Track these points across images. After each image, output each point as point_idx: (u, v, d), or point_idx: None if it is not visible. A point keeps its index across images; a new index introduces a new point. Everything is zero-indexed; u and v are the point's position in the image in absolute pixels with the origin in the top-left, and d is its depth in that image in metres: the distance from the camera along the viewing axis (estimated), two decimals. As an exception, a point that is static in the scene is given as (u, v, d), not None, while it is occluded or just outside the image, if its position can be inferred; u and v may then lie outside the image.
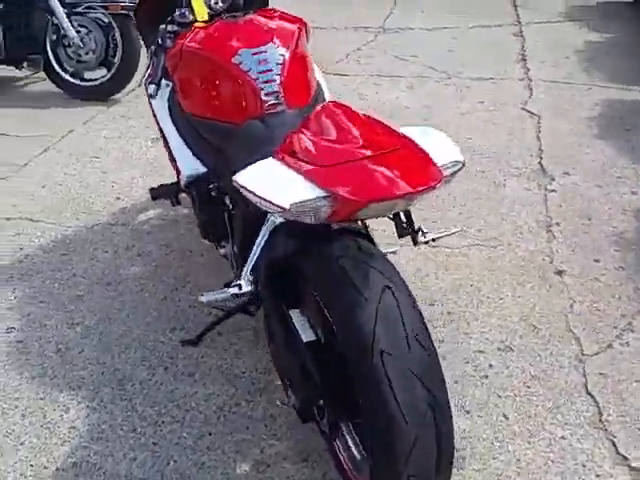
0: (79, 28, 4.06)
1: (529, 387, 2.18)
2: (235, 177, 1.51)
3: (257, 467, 1.89)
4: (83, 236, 2.91)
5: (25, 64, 4.27)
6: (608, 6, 6.23)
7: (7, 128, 3.93)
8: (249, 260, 1.67)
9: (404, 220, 1.75)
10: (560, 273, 2.71)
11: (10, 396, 2.12)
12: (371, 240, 1.74)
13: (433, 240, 1.84)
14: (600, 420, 2.06)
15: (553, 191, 3.30)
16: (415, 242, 1.81)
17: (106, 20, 4.03)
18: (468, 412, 2.08)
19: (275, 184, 1.47)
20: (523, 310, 2.50)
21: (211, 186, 2.09)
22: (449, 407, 1.49)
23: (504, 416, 2.07)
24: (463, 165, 1.56)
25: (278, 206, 1.43)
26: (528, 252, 2.84)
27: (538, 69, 4.83)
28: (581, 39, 5.43)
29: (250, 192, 1.47)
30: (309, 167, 1.47)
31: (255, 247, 1.66)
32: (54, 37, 4.11)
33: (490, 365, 2.26)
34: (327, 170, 1.46)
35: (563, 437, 2.00)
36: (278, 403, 1.74)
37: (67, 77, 4.22)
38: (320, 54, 5.01)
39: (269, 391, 2.11)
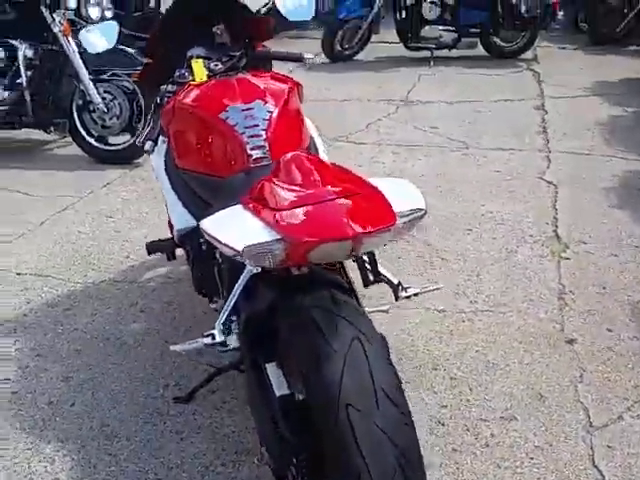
0: (104, 94, 4.21)
1: (532, 458, 2.07)
2: (201, 223, 1.53)
3: (238, 530, 1.82)
4: (89, 292, 2.93)
5: (52, 128, 4.43)
6: (631, 82, 6.28)
7: (30, 189, 4.05)
8: (224, 309, 1.66)
9: (369, 268, 1.72)
10: (571, 342, 2.62)
11: (-3, 446, 2.10)
12: (351, 293, 1.71)
13: (415, 295, 1.81)
14: (606, 496, 1.94)
15: (567, 259, 3.23)
16: (396, 297, 1.78)
17: (130, 87, 4.19)
18: (465, 482, 1.98)
19: (234, 228, 1.51)
20: (530, 378, 2.41)
21: (202, 240, 2.09)
22: (422, 467, 1.42)
23: (504, 489, 1.97)
24: (425, 213, 1.56)
25: (233, 249, 1.45)
26: (538, 320, 2.76)
27: (558, 141, 4.84)
28: (604, 113, 5.45)
29: (211, 237, 1.49)
30: (268, 211, 1.49)
31: (231, 296, 1.65)
32: (80, 102, 4.28)
33: (492, 434, 2.16)
34: (283, 213, 1.47)
35: (565, 512, 1.89)
36: (255, 461, 1.68)
37: (92, 141, 4.36)
38: (341, 124, 5.18)
39: (256, 451, 2.03)
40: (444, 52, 7.32)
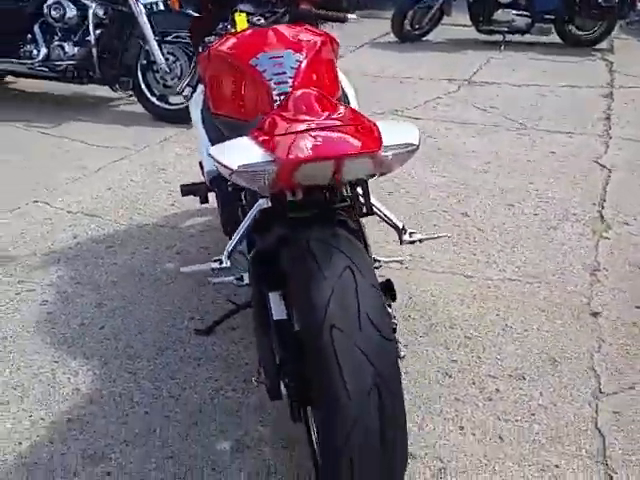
0: (167, 55, 4.38)
1: (534, 414, 2.09)
2: (210, 149, 1.62)
3: (237, 447, 1.92)
4: (131, 233, 3.09)
5: (117, 85, 4.63)
6: None
7: (92, 139, 4.29)
8: (233, 238, 1.75)
9: (361, 201, 1.76)
10: (596, 315, 2.60)
11: (28, 356, 2.27)
12: (357, 234, 1.76)
13: (420, 241, 1.85)
14: (603, 455, 1.94)
15: (607, 239, 3.18)
16: (401, 241, 1.82)
17: (192, 49, 4.32)
18: (462, 428, 2.02)
19: (234, 152, 1.59)
20: (546, 344, 2.41)
21: (229, 183, 2.18)
22: (399, 391, 1.48)
23: (500, 437, 2.00)
24: (416, 148, 1.60)
25: (228, 168, 1.54)
26: (566, 292, 2.74)
27: (621, 127, 4.71)
28: (674, 105, 5.27)
29: (215, 160, 1.59)
30: (267, 139, 1.57)
31: (240, 227, 1.74)
32: (145, 62, 4.46)
33: (497, 390, 2.19)
34: (278, 139, 1.55)
35: (557, 466, 1.90)
36: (253, 379, 1.76)
37: (154, 100, 4.54)
38: (398, 100, 5.21)
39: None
40: (516, 37, 7.19)
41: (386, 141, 1.55)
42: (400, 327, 2.45)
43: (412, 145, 1.60)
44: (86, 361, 2.25)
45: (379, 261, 2.16)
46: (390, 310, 1.68)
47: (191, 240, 3.01)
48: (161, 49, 4.35)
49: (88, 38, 4.49)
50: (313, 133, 1.53)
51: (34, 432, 1.95)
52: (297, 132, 1.55)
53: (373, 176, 1.69)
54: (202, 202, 2.49)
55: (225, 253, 1.76)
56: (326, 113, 1.62)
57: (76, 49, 4.53)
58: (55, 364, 2.23)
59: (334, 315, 1.46)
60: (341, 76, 2.36)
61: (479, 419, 2.06)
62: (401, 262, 2.31)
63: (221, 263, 1.75)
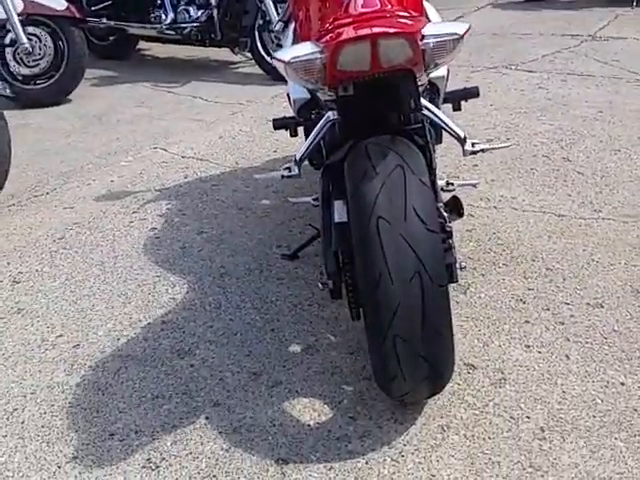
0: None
1: (606, 338, 2.07)
2: (274, 53, 1.76)
3: (307, 350, 2.06)
4: (235, 174, 3.32)
5: (237, 49, 4.90)
6: None
7: (210, 96, 4.62)
8: (302, 148, 1.88)
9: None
10: (691, 253, 2.50)
11: (134, 271, 2.54)
12: (423, 148, 1.83)
13: (483, 151, 1.88)
14: (675, 378, 1.90)
15: None
16: (464, 152, 1.87)
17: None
18: (528, 346, 2.05)
19: (292, 50, 1.73)
20: (631, 277, 2.36)
21: (314, 111, 2.32)
22: (442, 281, 1.56)
23: (566, 356, 2.00)
24: (460, 38, 1.65)
25: (282, 61, 1.68)
26: (664, 232, 2.65)
27: None
28: None
29: (276, 59, 1.72)
30: (321, 35, 1.68)
31: (310, 137, 1.87)
32: (261, 22, 4.68)
33: (571, 315, 2.18)
34: (330, 33, 1.66)
35: (623, 383, 1.89)
36: (319, 284, 1.89)
37: (269, 59, 4.75)
38: (514, 54, 5.11)
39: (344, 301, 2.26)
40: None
41: (429, 31, 1.62)
42: (479, 258, 2.50)
43: (456, 35, 1.65)
44: (183, 277, 2.49)
45: (452, 184, 2.22)
46: (445, 214, 1.75)
47: (289, 182, 3.18)
48: (276, 8, 4.54)
49: (211, 1, 4.79)
50: (356, 22, 1.63)
51: (131, 331, 2.21)
52: (343, 24, 1.65)
53: (415, 68, 1.71)
54: (292, 135, 2.63)
55: (294, 161, 1.89)
56: (381, 7, 1.71)
57: (200, 12, 4.86)
58: (157, 278, 2.49)
59: (381, 207, 1.56)
60: (427, 4, 2.42)
61: (547, 339, 2.07)
62: (475, 185, 2.34)
63: (290, 170, 1.89)
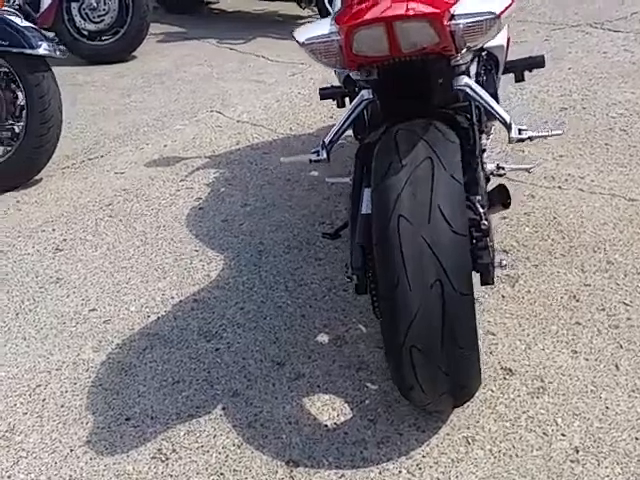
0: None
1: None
2: (294, 32, 1.64)
3: (336, 341, 1.98)
4: (288, 142, 3.22)
5: (303, 3, 4.73)
6: None
7: (273, 55, 4.51)
8: (331, 132, 1.75)
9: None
10: None
11: (174, 244, 2.52)
12: (465, 132, 1.67)
13: (530, 139, 1.70)
14: None
15: None
16: (509, 139, 1.69)
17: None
18: (575, 352, 1.88)
19: (310, 30, 1.60)
20: None
21: (357, 83, 2.17)
22: (467, 290, 1.42)
23: (615, 366, 1.83)
24: (497, 18, 1.46)
25: (298, 42, 1.57)
26: None
27: None
28: None
29: (294, 38, 1.61)
30: (339, 16, 1.54)
31: (342, 118, 1.74)
32: (327, -24, 4.48)
33: (628, 318, 1.99)
34: (347, 13, 1.51)
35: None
36: (346, 276, 1.79)
37: (332, 11, 4.55)
38: (600, 12, 4.70)
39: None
40: None
41: (460, 10, 1.45)
42: (534, 246, 2.32)
43: (490, 14, 1.47)
44: (221, 252, 2.43)
45: (502, 168, 2.04)
46: (482, 210, 1.59)
47: (339, 152, 3.05)
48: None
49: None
50: (379, 7, 1.48)
51: (162, 308, 2.18)
52: (362, 7, 1.50)
53: (444, 49, 1.54)
54: (339, 106, 2.50)
55: (321, 144, 1.77)
56: None
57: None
58: (195, 252, 2.45)
59: (404, 204, 1.43)
60: None
61: (597, 345, 1.90)
62: (528, 170, 2.15)
63: (318, 154, 1.77)
